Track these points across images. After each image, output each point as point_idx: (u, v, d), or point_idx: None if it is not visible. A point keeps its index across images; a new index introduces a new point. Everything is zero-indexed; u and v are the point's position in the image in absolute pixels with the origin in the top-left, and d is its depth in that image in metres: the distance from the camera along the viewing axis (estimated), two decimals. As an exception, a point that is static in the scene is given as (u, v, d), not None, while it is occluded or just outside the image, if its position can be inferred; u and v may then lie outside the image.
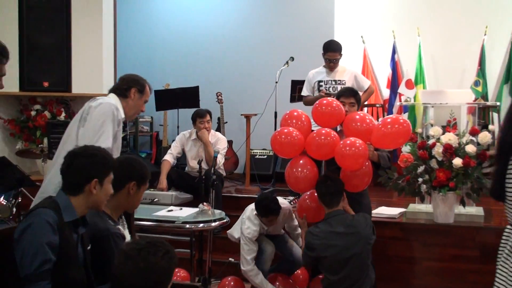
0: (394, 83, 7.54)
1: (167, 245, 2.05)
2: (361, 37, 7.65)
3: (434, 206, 5.03)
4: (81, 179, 2.46)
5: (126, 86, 3.50)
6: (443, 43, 7.53)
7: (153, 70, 8.95)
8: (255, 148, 7.71)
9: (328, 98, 4.48)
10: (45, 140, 6.54)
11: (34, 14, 6.80)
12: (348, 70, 5.85)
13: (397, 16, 7.74)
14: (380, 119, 4.27)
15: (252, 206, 4.61)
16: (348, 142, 3.87)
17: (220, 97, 7.67)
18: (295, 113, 4.31)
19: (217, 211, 4.13)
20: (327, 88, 5.70)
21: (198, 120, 6.14)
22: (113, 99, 3.45)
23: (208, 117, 6.18)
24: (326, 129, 4.06)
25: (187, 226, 3.69)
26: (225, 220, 3.86)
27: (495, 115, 7.11)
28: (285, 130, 4.10)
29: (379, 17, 7.83)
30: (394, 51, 7.63)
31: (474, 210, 5.18)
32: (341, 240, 3.73)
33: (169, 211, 3.98)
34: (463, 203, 4.92)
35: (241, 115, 7.01)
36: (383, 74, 7.66)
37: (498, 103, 6.65)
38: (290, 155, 4.20)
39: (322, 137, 3.99)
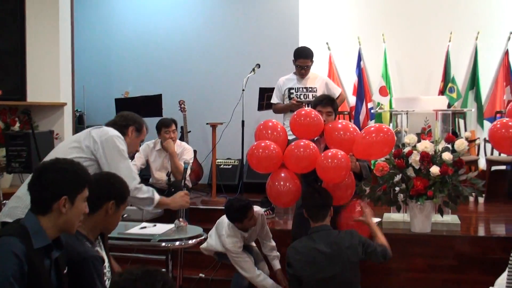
0: (360, 90, 7.47)
1: (164, 275, 1.82)
2: (327, 43, 7.55)
3: (411, 215, 4.93)
4: (48, 196, 2.20)
5: (125, 123, 3.52)
6: (408, 50, 7.50)
7: (111, 77, 8.64)
8: (220, 158, 7.49)
9: (306, 108, 4.32)
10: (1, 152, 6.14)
11: (-14, 19, 6.40)
12: (320, 77, 5.72)
13: (362, 22, 7.68)
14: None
15: (224, 221, 4.45)
16: (329, 154, 3.70)
17: (183, 105, 7.41)
18: (270, 124, 4.11)
19: (193, 227, 3.89)
20: (298, 96, 5.54)
21: (163, 130, 5.89)
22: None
23: (173, 127, 5.95)
24: (304, 140, 3.87)
25: (163, 244, 3.43)
26: (203, 237, 3.61)
27: (461, 121, 7.13)
28: (262, 144, 3.89)
29: (344, 23, 7.76)
30: (359, 58, 7.56)
31: (450, 219, 5.11)
32: (321, 258, 3.49)
33: (142, 228, 3.71)
34: (440, 212, 4.85)
35: (207, 124, 6.77)
36: (349, 81, 7.58)
37: (472, 109, 6.66)
38: (268, 170, 3.99)
39: (301, 150, 3.80)
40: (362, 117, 7.43)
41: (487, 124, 7.12)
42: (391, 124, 7.23)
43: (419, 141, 4.86)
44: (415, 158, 4.72)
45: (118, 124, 3.52)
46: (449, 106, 6.19)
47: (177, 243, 3.46)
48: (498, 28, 7.25)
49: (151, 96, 7.12)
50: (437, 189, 4.68)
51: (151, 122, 6.41)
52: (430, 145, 4.77)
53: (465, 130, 7.06)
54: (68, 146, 3.35)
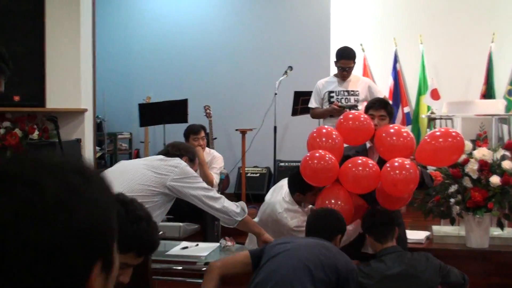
0: (396, 94, 7.06)
1: None
2: (361, 45, 7.15)
3: (467, 229, 4.51)
4: None
5: (178, 153, 3.45)
6: (447, 52, 7.10)
7: (131, 83, 8.31)
8: (247, 166, 7.11)
9: (355, 111, 3.94)
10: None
11: (4, 20, 6.05)
12: (362, 80, 5.36)
13: (398, 23, 7.27)
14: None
15: (280, 198, 3.95)
16: (396, 164, 3.31)
17: (208, 110, 7.04)
18: (324, 130, 3.77)
19: (241, 246, 3.52)
20: (339, 100, 5.16)
21: (192, 137, 5.53)
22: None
23: (202, 133, 5.60)
24: (362, 158, 3.51)
25: (209, 268, 3.05)
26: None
27: (505, 126, 6.69)
28: (317, 154, 3.52)
29: (379, 24, 7.36)
30: (395, 60, 7.16)
31: (506, 232, 4.68)
32: (397, 284, 3.10)
33: (183, 248, 3.32)
34: (501, 226, 4.42)
35: (236, 130, 6.42)
36: (384, 84, 7.15)
37: None
38: (324, 183, 3.61)
39: (360, 168, 3.43)
40: (398, 122, 7.01)
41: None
42: (428, 130, 6.87)
43: (474, 148, 4.46)
44: (472, 167, 4.31)
45: (171, 153, 3.44)
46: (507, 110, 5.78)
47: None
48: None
49: (176, 101, 6.76)
50: (497, 201, 4.27)
51: (176, 129, 6.16)
52: (488, 153, 4.36)
53: (510, 136, 6.62)
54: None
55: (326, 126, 3.85)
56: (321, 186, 3.68)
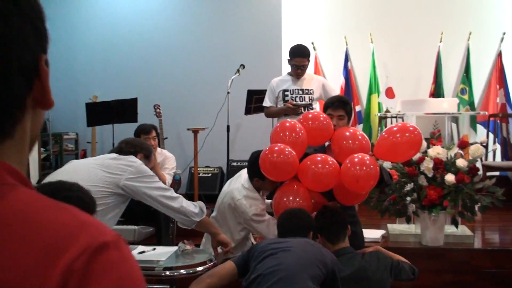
0: (347, 92, 7.06)
1: None
2: (312, 43, 7.12)
3: (423, 227, 4.54)
4: None
5: (133, 150, 3.27)
6: (397, 51, 7.16)
7: (78, 80, 7.99)
8: (198, 166, 6.97)
9: (314, 111, 3.88)
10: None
11: None
12: (316, 78, 5.30)
13: (349, 21, 7.29)
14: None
15: (239, 185, 3.83)
16: (356, 160, 3.26)
17: (158, 109, 6.86)
18: (288, 124, 3.65)
19: (200, 249, 3.38)
20: (293, 98, 5.10)
21: (143, 137, 5.33)
22: None
23: (154, 133, 5.42)
24: (321, 155, 3.44)
25: (168, 273, 2.89)
26: (213, 262, 3.07)
27: (454, 125, 6.81)
28: (276, 148, 3.43)
29: (330, 22, 7.35)
30: (346, 59, 7.18)
31: (460, 230, 4.73)
32: (348, 286, 3.04)
33: (140, 252, 3.16)
34: (455, 223, 4.47)
35: (188, 129, 6.27)
36: (336, 83, 7.13)
37: (486, 112, 6.33)
38: (283, 177, 3.53)
39: (320, 165, 3.36)
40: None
41: (480, 128, 6.83)
42: (379, 128, 6.92)
43: (428, 147, 4.49)
44: (427, 165, 4.33)
45: (125, 151, 3.25)
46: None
47: (183, 271, 2.93)
48: (490, 28, 6.97)
49: (125, 100, 6.54)
50: (452, 199, 4.30)
51: (126, 129, 5.97)
52: (442, 151, 4.40)
53: (458, 134, 6.74)
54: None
55: (289, 120, 3.73)
56: (280, 180, 3.60)
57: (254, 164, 3.70)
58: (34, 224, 0.63)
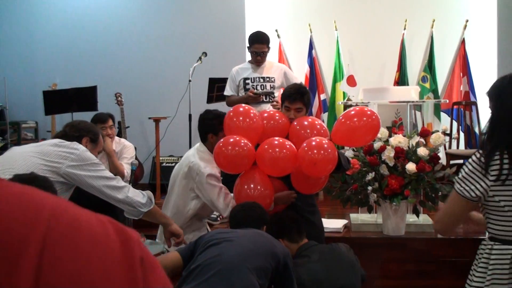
0: (312, 81, 7.01)
1: None
2: (276, 30, 7.03)
3: (384, 217, 4.50)
4: None
5: (78, 134, 3.09)
6: (361, 38, 7.13)
7: (36, 68, 7.77)
8: (161, 155, 6.84)
9: (270, 110, 3.78)
10: None
11: None
12: (277, 66, 5.22)
13: (313, 8, 7.21)
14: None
15: (193, 151, 3.80)
16: (313, 143, 3.18)
17: (119, 98, 6.69)
18: (241, 109, 3.52)
19: (152, 242, 3.28)
20: (254, 86, 5.01)
21: (99, 126, 5.15)
22: None
23: (110, 122, 5.25)
24: (279, 139, 3.34)
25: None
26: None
27: (418, 113, 6.79)
28: (231, 140, 3.32)
29: (294, 9, 7.27)
30: (311, 46, 7.10)
31: (421, 219, 4.71)
32: (324, 264, 2.98)
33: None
34: (417, 213, 4.43)
35: (149, 118, 6.14)
36: (300, 71, 7.06)
37: (447, 100, 6.31)
38: (239, 170, 3.43)
39: (277, 149, 3.27)
40: (314, 109, 6.98)
41: (444, 116, 6.84)
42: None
43: (390, 135, 4.44)
44: (389, 154, 4.28)
45: (69, 135, 3.07)
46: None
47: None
48: (454, 16, 6.97)
49: (84, 88, 6.37)
50: (413, 188, 4.27)
51: (85, 117, 5.80)
52: (404, 140, 4.34)
53: (422, 122, 6.73)
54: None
55: (243, 105, 3.61)
56: (237, 173, 3.50)
57: (203, 121, 3.69)
58: None
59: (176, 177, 3.79)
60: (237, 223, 2.93)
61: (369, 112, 3.36)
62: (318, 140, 3.22)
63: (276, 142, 3.31)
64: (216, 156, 3.35)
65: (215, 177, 3.61)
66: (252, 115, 3.45)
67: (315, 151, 3.17)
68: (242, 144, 3.30)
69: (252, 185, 3.34)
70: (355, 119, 3.34)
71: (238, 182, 3.43)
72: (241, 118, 3.41)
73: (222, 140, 3.36)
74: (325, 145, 3.19)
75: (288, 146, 3.28)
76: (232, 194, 3.60)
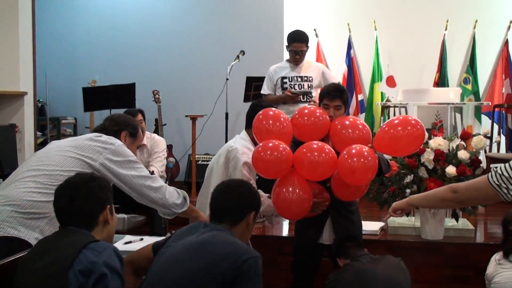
0: (350, 81, 6.95)
1: None
2: (314, 30, 6.98)
3: (423, 220, 4.41)
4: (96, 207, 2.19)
5: (117, 128, 3.03)
6: (401, 38, 7.02)
7: (76, 65, 7.91)
8: (197, 153, 6.86)
9: (310, 106, 3.73)
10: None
11: None
12: (315, 65, 5.19)
13: (352, 8, 7.15)
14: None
15: (234, 138, 3.83)
16: (353, 151, 3.13)
17: (157, 95, 6.75)
18: (271, 113, 3.48)
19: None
20: (292, 86, 4.99)
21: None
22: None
23: (140, 117, 5.23)
24: (317, 142, 3.29)
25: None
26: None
27: (458, 115, 6.66)
28: (270, 144, 3.26)
29: (333, 8, 7.21)
30: (349, 46, 7.04)
31: (461, 224, 4.61)
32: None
33: (127, 243, 3.06)
34: (455, 217, 4.34)
35: (186, 116, 6.17)
36: (338, 71, 6.99)
37: (489, 103, 6.19)
38: (278, 175, 3.39)
39: (316, 154, 3.21)
40: (352, 110, 6.91)
41: (485, 119, 6.69)
42: (382, 118, 6.79)
43: (429, 137, 4.36)
44: (428, 156, 4.20)
45: (108, 129, 3.00)
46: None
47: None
48: (497, 16, 6.81)
49: (123, 85, 6.45)
50: (453, 192, 4.17)
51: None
52: (444, 142, 4.26)
53: (462, 124, 6.61)
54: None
55: (273, 109, 3.58)
56: (275, 178, 3.47)
57: (256, 108, 3.64)
58: None
59: (214, 165, 3.80)
60: (216, 209, 2.46)
61: (413, 122, 3.26)
62: (358, 147, 3.16)
63: (315, 146, 3.25)
64: (255, 161, 3.32)
65: (250, 168, 3.59)
66: (282, 119, 3.41)
67: (355, 159, 3.11)
68: (281, 149, 3.26)
69: (290, 189, 3.30)
70: (399, 128, 3.24)
71: (277, 185, 3.40)
72: (271, 122, 3.37)
73: (260, 145, 3.33)
74: (365, 153, 3.13)
75: (327, 150, 3.24)
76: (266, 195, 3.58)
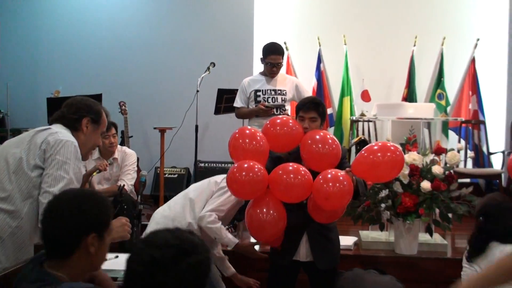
0: (319, 94, 6.91)
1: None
2: (284, 43, 6.91)
3: (397, 235, 4.40)
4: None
5: (77, 116, 2.74)
6: (370, 53, 7.05)
7: (39, 75, 7.67)
8: (165, 166, 6.71)
9: (283, 116, 3.69)
10: None
11: None
12: (289, 78, 5.15)
13: (322, 22, 7.15)
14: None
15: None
16: (329, 176, 3.09)
17: (124, 107, 6.60)
18: (247, 131, 3.43)
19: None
20: (265, 99, 4.92)
21: (102, 135, 5.05)
22: (65, 133, 2.69)
23: (113, 131, 5.12)
24: (293, 165, 3.25)
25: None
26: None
27: (425, 130, 6.70)
28: (245, 165, 3.21)
29: (303, 22, 7.20)
30: (319, 60, 7.02)
31: (435, 239, 4.60)
32: None
33: (116, 257, 2.91)
34: (430, 232, 4.32)
35: (155, 128, 6.03)
36: (308, 84, 6.93)
37: (463, 118, 6.27)
38: (253, 196, 3.32)
39: (292, 176, 3.17)
40: (321, 123, 6.87)
41: (452, 134, 6.75)
42: (351, 132, 6.80)
43: (404, 152, 4.35)
44: (403, 171, 4.18)
45: (68, 117, 2.75)
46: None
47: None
48: (464, 34, 6.91)
49: (89, 96, 6.25)
50: (427, 207, 4.17)
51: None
52: (418, 157, 4.27)
53: (430, 140, 6.65)
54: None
55: (249, 127, 3.54)
56: (249, 199, 3.40)
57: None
58: None
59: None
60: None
61: (392, 148, 3.25)
62: (334, 172, 3.14)
63: (290, 167, 3.22)
64: (229, 182, 3.25)
65: (227, 193, 3.66)
66: (258, 138, 3.35)
67: (330, 184, 3.09)
68: (256, 169, 3.20)
69: (264, 210, 3.24)
70: (379, 154, 3.22)
71: (250, 206, 3.33)
72: (247, 140, 3.32)
73: (235, 165, 3.25)
74: (341, 178, 3.11)
75: (303, 172, 3.19)
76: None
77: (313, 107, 3.50)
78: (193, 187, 4.02)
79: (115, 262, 2.86)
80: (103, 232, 1.85)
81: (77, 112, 2.76)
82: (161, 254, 1.49)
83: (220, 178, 3.80)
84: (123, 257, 2.98)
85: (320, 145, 3.31)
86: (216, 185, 3.81)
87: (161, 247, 1.51)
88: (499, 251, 3.07)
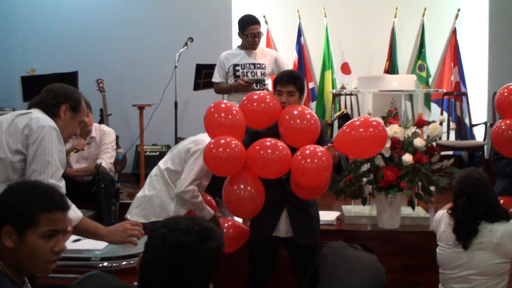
0: (300, 68, 6.83)
1: None
2: (264, 16, 6.82)
3: (379, 209, 4.36)
4: None
5: (55, 101, 2.72)
6: (351, 26, 6.97)
7: (13, 53, 7.46)
8: (145, 144, 6.62)
9: (260, 92, 3.61)
10: None
11: None
12: (268, 52, 5.06)
13: (302, -6, 7.03)
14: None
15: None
16: (307, 152, 3.02)
17: (101, 84, 6.46)
18: (223, 105, 3.35)
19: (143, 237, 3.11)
20: (245, 73, 4.83)
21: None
22: (46, 118, 2.67)
23: (87, 110, 5.00)
24: (271, 140, 3.18)
25: (105, 264, 2.58)
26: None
27: (408, 103, 6.65)
28: (222, 141, 3.13)
29: (282, -6, 7.08)
30: (300, 33, 6.92)
31: (416, 212, 4.58)
32: None
33: (75, 240, 2.83)
34: (412, 205, 4.29)
35: (133, 105, 5.92)
36: (288, 58, 6.83)
37: (444, 90, 6.20)
38: (230, 172, 3.25)
39: (269, 151, 3.10)
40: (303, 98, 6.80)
41: (434, 107, 6.72)
42: (333, 106, 6.74)
43: (385, 125, 4.29)
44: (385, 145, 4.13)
45: (46, 103, 2.72)
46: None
47: (124, 262, 2.62)
48: (445, 5, 6.85)
49: (64, 74, 6.11)
50: (409, 180, 4.13)
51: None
52: (400, 130, 4.21)
53: (412, 112, 6.60)
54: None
55: (225, 101, 3.45)
56: (227, 175, 3.33)
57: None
58: None
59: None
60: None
61: (374, 123, 3.18)
62: (312, 148, 3.08)
63: (268, 143, 3.16)
64: (206, 159, 3.18)
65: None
66: (234, 112, 3.27)
67: (308, 160, 3.02)
68: (233, 145, 3.13)
69: (242, 186, 3.18)
70: (361, 130, 3.15)
71: (228, 183, 3.26)
72: (223, 115, 3.24)
73: (212, 141, 3.18)
74: (319, 153, 3.04)
75: (281, 148, 3.12)
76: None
77: (291, 80, 3.44)
78: (166, 158, 3.88)
79: (89, 242, 2.77)
80: (24, 228, 1.72)
81: (56, 98, 2.75)
82: (186, 238, 1.52)
83: (193, 144, 3.64)
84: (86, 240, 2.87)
85: (298, 121, 3.24)
86: (187, 153, 3.67)
87: (185, 232, 1.54)
88: (487, 231, 3.06)
